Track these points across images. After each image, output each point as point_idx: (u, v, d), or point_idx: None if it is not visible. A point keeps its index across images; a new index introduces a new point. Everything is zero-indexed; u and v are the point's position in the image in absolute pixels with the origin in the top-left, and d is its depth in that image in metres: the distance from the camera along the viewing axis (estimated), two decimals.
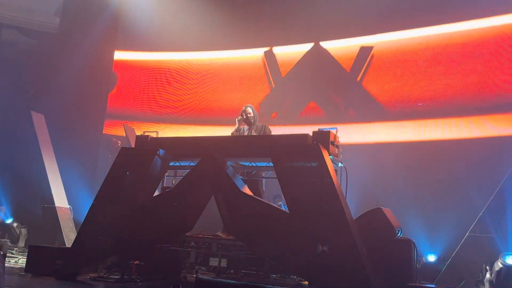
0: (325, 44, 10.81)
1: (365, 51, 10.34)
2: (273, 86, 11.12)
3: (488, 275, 6.26)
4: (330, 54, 10.74)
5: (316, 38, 10.87)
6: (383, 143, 9.60)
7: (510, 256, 6.16)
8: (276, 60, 11.17)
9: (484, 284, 6.35)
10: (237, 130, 6.72)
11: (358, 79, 10.34)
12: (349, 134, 9.54)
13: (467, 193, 7.88)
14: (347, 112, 10.43)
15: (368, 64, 10.26)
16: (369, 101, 10.09)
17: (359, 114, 10.22)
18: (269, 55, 11.25)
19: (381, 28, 10.16)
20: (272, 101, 11.01)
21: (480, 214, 6.99)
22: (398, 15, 9.98)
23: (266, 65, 11.21)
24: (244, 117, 6.71)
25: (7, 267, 6.49)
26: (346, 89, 10.50)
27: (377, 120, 9.93)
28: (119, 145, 10.25)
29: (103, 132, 11.85)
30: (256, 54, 11.35)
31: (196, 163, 5.83)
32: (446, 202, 8.20)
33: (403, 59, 9.94)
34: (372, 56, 10.23)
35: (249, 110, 6.73)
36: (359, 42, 10.45)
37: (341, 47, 10.72)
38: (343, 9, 10.25)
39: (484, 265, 6.49)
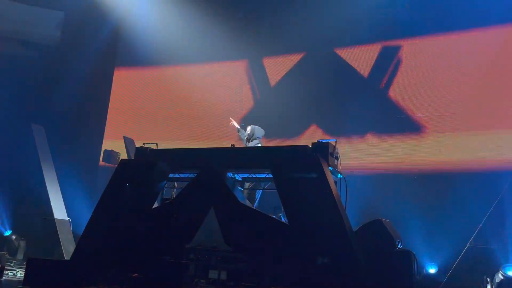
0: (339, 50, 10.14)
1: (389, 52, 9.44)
2: (258, 97, 10.70)
3: (489, 287, 6.23)
4: (341, 58, 9.97)
5: (327, 43, 10.23)
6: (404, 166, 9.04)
7: (511, 268, 6.14)
8: (266, 72, 10.73)
9: None
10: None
11: (382, 86, 9.50)
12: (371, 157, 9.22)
13: (467, 205, 7.86)
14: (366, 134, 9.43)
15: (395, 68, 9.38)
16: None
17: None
18: (259, 65, 10.89)
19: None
20: (260, 117, 10.00)
21: (480, 225, 6.98)
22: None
23: (253, 76, 10.86)
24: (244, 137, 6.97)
25: (5, 280, 6.46)
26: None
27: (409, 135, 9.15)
28: (119, 157, 10.25)
29: (103, 144, 11.85)
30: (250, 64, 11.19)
31: (195, 174, 5.83)
32: (446, 213, 8.17)
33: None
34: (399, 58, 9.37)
35: (248, 129, 7.02)
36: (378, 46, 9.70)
37: (360, 48, 9.95)
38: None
39: (484, 277, 6.46)
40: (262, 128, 7.27)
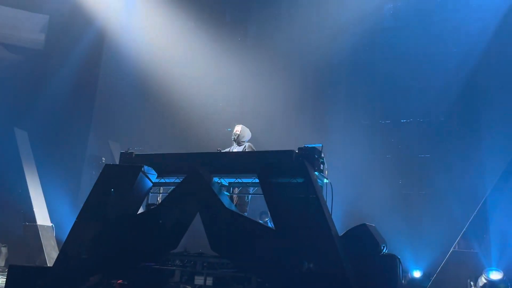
0: None
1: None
2: (245, 102, 10.78)
3: None
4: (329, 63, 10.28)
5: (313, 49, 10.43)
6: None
7: (494, 272, 6.23)
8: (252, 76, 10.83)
9: None
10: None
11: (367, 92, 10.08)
12: None
13: (451, 209, 7.96)
14: None
15: None
16: None
17: None
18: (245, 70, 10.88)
19: None
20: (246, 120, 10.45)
21: (464, 229, 7.07)
22: None
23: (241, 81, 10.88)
24: (233, 136, 6.80)
25: None
26: None
27: None
28: (103, 161, 10.14)
29: (87, 149, 11.71)
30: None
31: (181, 179, 5.80)
32: (431, 218, 8.26)
33: None
34: None
35: (237, 128, 6.80)
36: None
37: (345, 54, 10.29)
38: None
39: (468, 281, 6.54)
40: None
